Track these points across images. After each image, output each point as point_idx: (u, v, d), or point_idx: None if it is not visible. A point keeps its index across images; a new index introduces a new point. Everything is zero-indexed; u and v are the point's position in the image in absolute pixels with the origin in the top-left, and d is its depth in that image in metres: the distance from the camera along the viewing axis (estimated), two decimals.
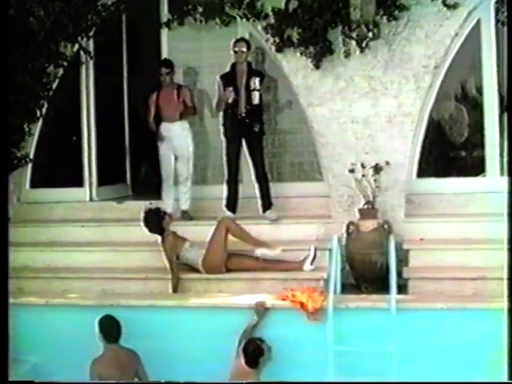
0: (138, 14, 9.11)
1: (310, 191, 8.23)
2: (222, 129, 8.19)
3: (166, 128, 8.46)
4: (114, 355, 6.22)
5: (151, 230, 7.46)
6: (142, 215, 7.49)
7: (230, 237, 7.35)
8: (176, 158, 8.43)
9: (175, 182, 8.48)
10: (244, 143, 8.05)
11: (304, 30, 7.63)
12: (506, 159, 7.70)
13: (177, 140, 8.41)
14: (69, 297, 7.27)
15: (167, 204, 8.30)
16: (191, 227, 7.80)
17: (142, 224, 7.49)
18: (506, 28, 7.53)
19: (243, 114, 7.95)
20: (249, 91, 7.93)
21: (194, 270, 7.40)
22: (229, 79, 8.05)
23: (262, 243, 7.34)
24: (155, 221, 7.43)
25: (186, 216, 8.29)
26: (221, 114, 8.21)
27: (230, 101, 7.93)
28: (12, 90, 7.55)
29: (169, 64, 8.47)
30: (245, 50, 7.99)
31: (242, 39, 8.08)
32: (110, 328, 6.28)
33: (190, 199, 8.40)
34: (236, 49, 7.99)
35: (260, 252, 7.31)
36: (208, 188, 8.69)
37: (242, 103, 7.95)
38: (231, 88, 7.93)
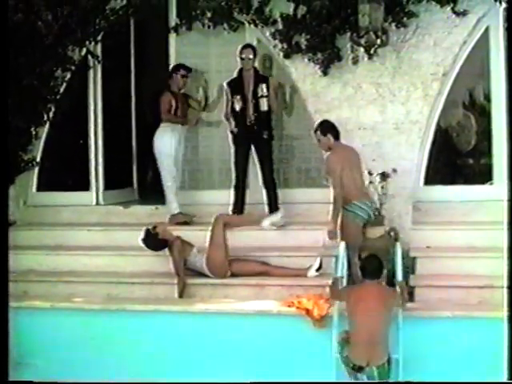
0: (146, 18, 9.12)
1: (316, 197, 8.18)
2: (230, 135, 8.16)
3: None
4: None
5: (157, 250, 7.49)
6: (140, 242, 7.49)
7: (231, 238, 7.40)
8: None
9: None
10: (253, 149, 8.04)
11: (312, 36, 7.64)
12: (504, 165, 7.70)
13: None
14: (74, 301, 7.24)
15: (173, 207, 8.32)
16: (196, 232, 7.76)
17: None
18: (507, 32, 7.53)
19: (252, 122, 7.94)
20: (256, 98, 7.90)
21: (200, 275, 7.39)
22: (236, 87, 8.01)
23: (263, 216, 7.58)
24: (152, 242, 7.43)
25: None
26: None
27: (238, 109, 7.93)
28: (19, 94, 7.61)
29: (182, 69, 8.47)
30: (251, 56, 7.94)
31: (249, 45, 8.02)
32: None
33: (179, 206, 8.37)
34: (243, 56, 7.94)
35: (266, 224, 7.64)
36: (214, 193, 8.66)
37: (250, 110, 7.91)
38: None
